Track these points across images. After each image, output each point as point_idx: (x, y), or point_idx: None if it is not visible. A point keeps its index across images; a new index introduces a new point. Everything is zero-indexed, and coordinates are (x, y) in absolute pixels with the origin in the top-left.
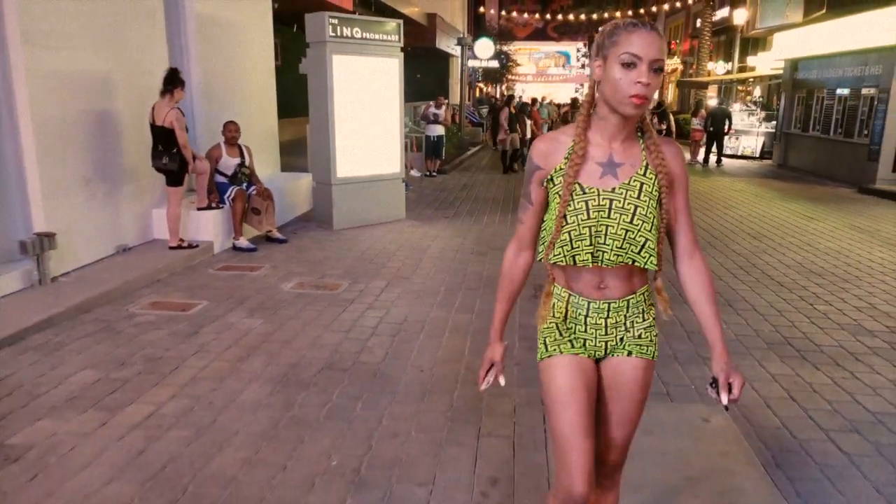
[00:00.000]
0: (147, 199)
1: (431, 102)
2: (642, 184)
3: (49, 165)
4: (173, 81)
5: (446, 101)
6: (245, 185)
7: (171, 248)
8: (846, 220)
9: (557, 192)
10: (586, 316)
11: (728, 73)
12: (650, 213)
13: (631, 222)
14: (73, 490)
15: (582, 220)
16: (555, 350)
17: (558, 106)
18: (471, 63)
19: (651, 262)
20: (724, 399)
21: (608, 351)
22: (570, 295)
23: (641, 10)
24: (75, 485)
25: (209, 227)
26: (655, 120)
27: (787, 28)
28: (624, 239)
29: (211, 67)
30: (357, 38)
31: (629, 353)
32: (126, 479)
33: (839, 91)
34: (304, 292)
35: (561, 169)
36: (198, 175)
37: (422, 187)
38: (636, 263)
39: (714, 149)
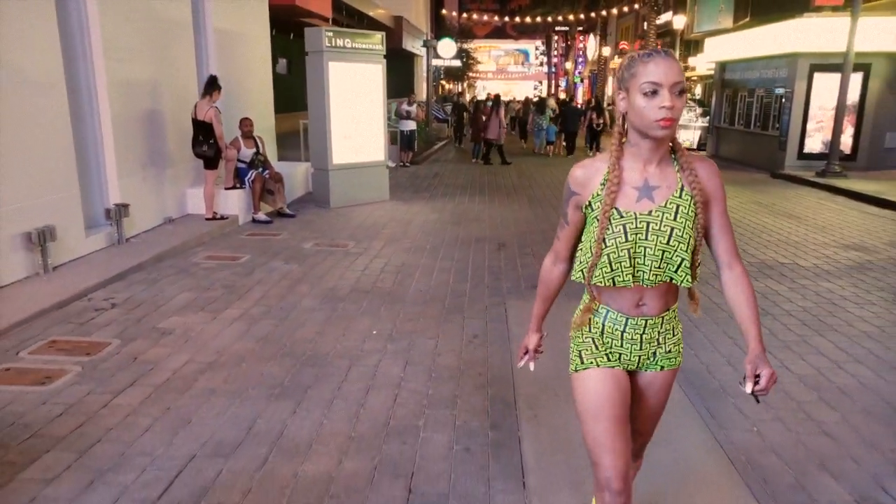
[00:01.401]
0: (183, 181)
1: (404, 100)
2: (678, 206)
3: (121, 153)
4: (213, 85)
5: (417, 98)
6: (261, 169)
7: (207, 219)
8: (752, 197)
9: (596, 217)
10: (623, 332)
11: None
12: (686, 233)
13: (668, 243)
14: (214, 347)
15: (620, 244)
16: (591, 363)
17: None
18: (434, 62)
19: (687, 280)
20: (749, 388)
21: (639, 365)
22: (608, 311)
23: (593, 14)
24: (213, 345)
25: (234, 203)
26: (594, 115)
27: (719, 33)
28: (661, 259)
29: (225, 73)
30: (348, 47)
31: (661, 368)
32: (244, 341)
33: (757, 90)
34: (321, 249)
35: (598, 195)
36: (227, 161)
37: (398, 176)
38: (674, 281)
39: None
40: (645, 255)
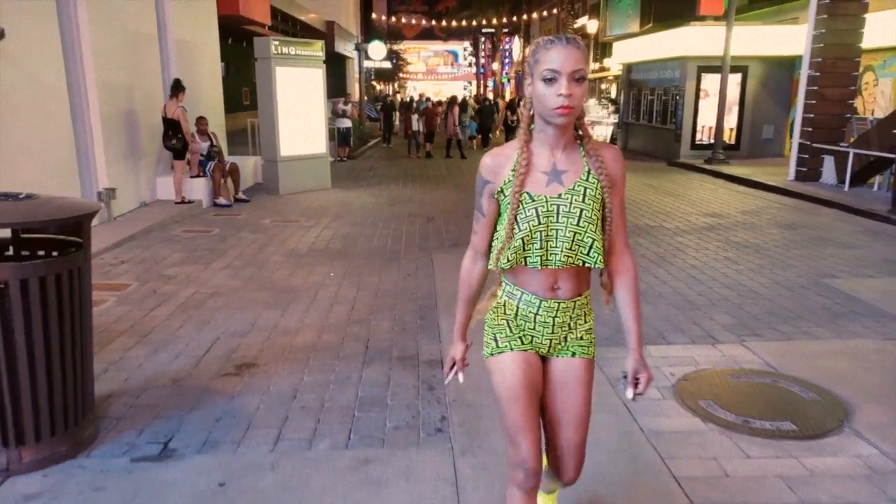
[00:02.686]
0: (152, 170)
1: (340, 100)
2: (586, 188)
3: (107, 145)
4: (178, 87)
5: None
6: (217, 160)
7: (176, 202)
8: (645, 181)
9: (508, 203)
10: (536, 314)
11: (591, 71)
12: (595, 215)
13: (578, 224)
14: (211, 284)
15: (533, 226)
16: (505, 346)
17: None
18: (366, 64)
19: (600, 262)
20: (629, 393)
21: (551, 349)
22: (522, 293)
23: (515, 18)
24: (211, 283)
25: (198, 190)
26: (509, 113)
27: (627, 37)
28: (573, 241)
29: (183, 77)
30: (292, 54)
31: (573, 354)
32: (234, 281)
33: (657, 89)
34: (278, 223)
35: (510, 181)
36: (192, 154)
37: (337, 169)
38: (586, 264)
39: None
40: (557, 238)
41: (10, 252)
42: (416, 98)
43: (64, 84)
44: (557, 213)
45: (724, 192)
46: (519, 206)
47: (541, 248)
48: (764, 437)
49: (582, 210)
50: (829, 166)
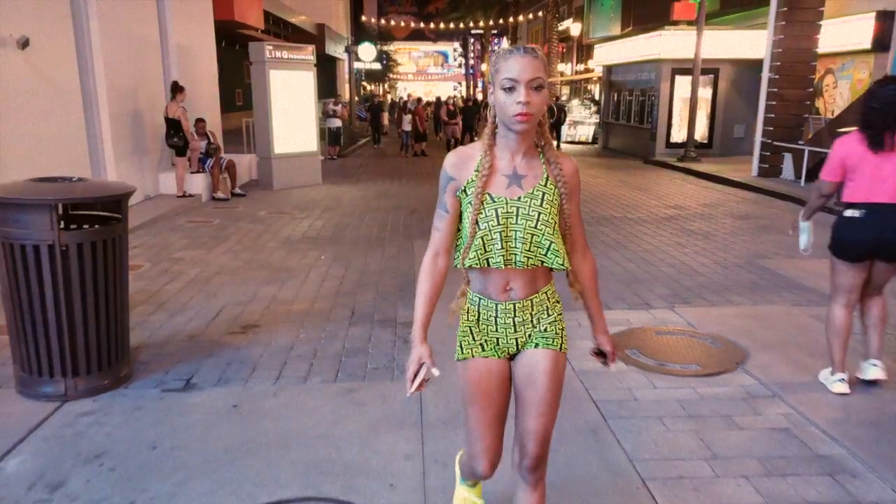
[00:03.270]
0: (155, 166)
1: (331, 100)
2: (544, 193)
3: (115, 143)
4: (176, 89)
5: (342, 99)
6: (215, 157)
7: (178, 196)
8: (619, 177)
9: (469, 202)
10: (496, 317)
11: (576, 73)
12: (552, 219)
13: (535, 227)
14: (216, 265)
15: (493, 227)
16: (469, 353)
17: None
18: (356, 65)
19: (557, 263)
20: (613, 368)
21: (520, 347)
22: (480, 299)
23: (502, 21)
24: (215, 263)
25: (198, 185)
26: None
27: (608, 40)
28: (531, 242)
29: (183, 80)
30: (285, 58)
31: (536, 346)
32: (235, 262)
33: (635, 90)
34: (273, 215)
35: (472, 181)
36: (192, 151)
37: (327, 166)
38: (545, 264)
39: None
40: (516, 239)
41: (62, 225)
42: (405, 98)
43: (78, 88)
44: (517, 216)
45: (691, 188)
46: (480, 207)
47: (502, 249)
48: (672, 375)
49: (540, 213)
50: (788, 163)
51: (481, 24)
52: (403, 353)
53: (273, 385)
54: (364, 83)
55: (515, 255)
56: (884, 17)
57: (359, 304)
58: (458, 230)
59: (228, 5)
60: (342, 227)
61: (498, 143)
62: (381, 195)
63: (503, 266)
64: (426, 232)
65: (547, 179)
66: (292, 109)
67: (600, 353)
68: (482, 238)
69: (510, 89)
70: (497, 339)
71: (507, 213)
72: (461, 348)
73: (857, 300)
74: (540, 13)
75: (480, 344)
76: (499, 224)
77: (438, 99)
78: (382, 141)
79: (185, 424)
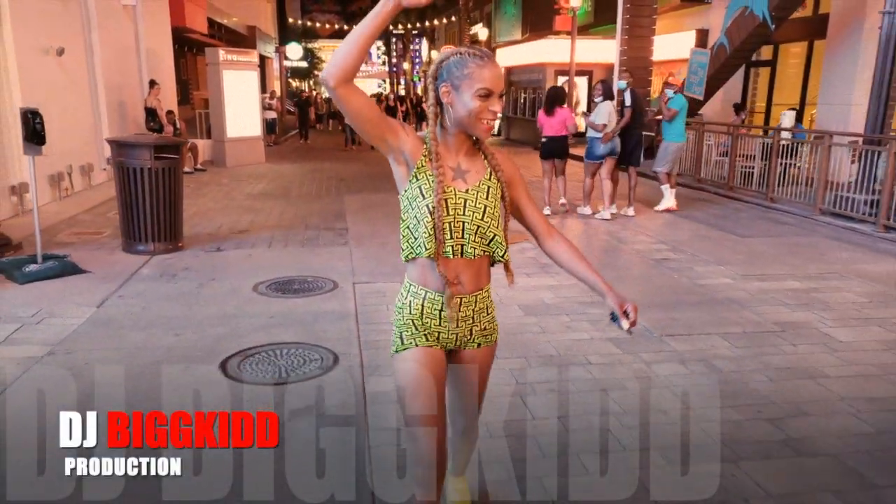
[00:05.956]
0: None
1: (266, 95)
2: (489, 187)
3: (111, 127)
4: (152, 84)
5: (276, 94)
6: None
7: None
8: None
9: (419, 187)
10: (441, 311)
11: None
12: (496, 212)
13: (482, 219)
14: (200, 205)
15: (444, 217)
16: (410, 343)
17: None
18: (285, 63)
19: (499, 253)
20: (626, 325)
21: (458, 342)
22: (426, 292)
23: (419, 24)
24: (204, 206)
25: None
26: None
27: (511, 45)
28: (476, 233)
29: (151, 77)
30: (235, 61)
31: (478, 346)
32: (215, 204)
33: (528, 88)
34: (233, 181)
35: (423, 167)
36: (166, 133)
37: (267, 150)
38: (486, 253)
39: None
40: (464, 230)
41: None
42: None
43: (87, 84)
44: (465, 207)
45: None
46: (433, 194)
47: (451, 239)
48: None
49: (486, 206)
50: None
51: (400, 26)
52: (340, 237)
53: (268, 248)
54: (289, 79)
55: (464, 244)
56: (701, 34)
57: (309, 222)
58: (402, 220)
59: (181, 14)
60: (288, 188)
61: (440, 138)
62: (314, 170)
63: (452, 256)
64: (354, 190)
65: (490, 174)
66: (241, 101)
67: (616, 319)
68: (433, 227)
69: (485, 97)
70: (438, 333)
71: (456, 203)
72: (401, 340)
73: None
74: (454, 17)
75: (424, 335)
76: (448, 214)
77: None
78: (311, 136)
79: (222, 261)
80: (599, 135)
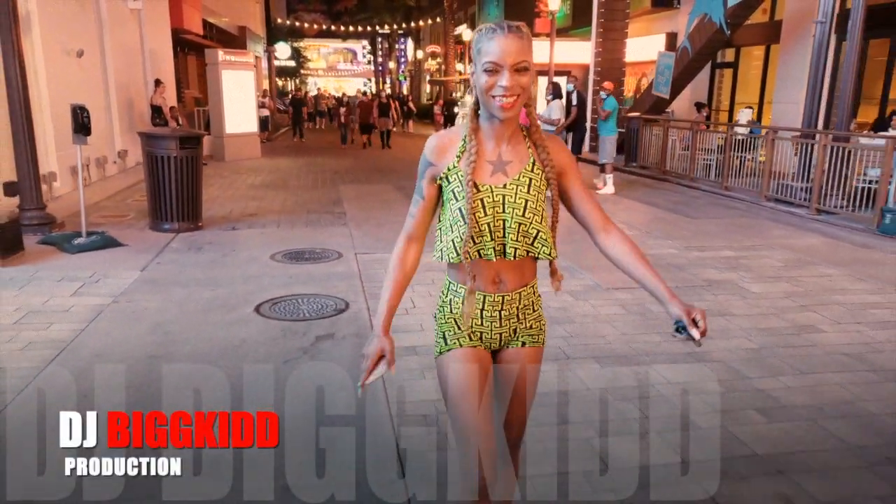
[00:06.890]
0: None
1: (259, 93)
2: (531, 179)
3: (121, 122)
4: (157, 83)
5: (268, 93)
6: None
7: None
8: None
9: (452, 191)
10: (483, 309)
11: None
12: (539, 206)
13: (523, 215)
14: (213, 195)
15: (480, 218)
16: (454, 343)
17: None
18: (274, 62)
19: (544, 252)
20: (696, 335)
21: (503, 343)
22: (467, 290)
23: (405, 25)
24: (212, 194)
25: None
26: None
27: None
28: (518, 231)
29: (153, 76)
30: (233, 61)
31: (523, 344)
32: (226, 193)
33: None
34: (234, 173)
35: (455, 167)
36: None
37: (262, 146)
38: (531, 254)
39: None
40: (505, 229)
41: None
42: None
43: (101, 83)
44: (504, 204)
45: None
46: (469, 196)
47: (492, 240)
48: None
49: (527, 201)
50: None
51: (386, 27)
52: (339, 219)
53: (277, 227)
54: (276, 78)
55: (506, 245)
56: (671, 37)
57: (311, 208)
58: (440, 220)
59: (179, 15)
60: (286, 180)
61: (481, 128)
62: (309, 164)
63: (494, 258)
64: (348, 182)
65: (533, 164)
66: (238, 99)
67: (682, 329)
68: (471, 230)
69: (493, 72)
70: (481, 333)
71: (494, 202)
72: (444, 340)
73: None
74: (439, 18)
75: (468, 335)
76: (486, 215)
77: (344, 95)
78: (306, 134)
79: (239, 237)
80: (552, 128)
